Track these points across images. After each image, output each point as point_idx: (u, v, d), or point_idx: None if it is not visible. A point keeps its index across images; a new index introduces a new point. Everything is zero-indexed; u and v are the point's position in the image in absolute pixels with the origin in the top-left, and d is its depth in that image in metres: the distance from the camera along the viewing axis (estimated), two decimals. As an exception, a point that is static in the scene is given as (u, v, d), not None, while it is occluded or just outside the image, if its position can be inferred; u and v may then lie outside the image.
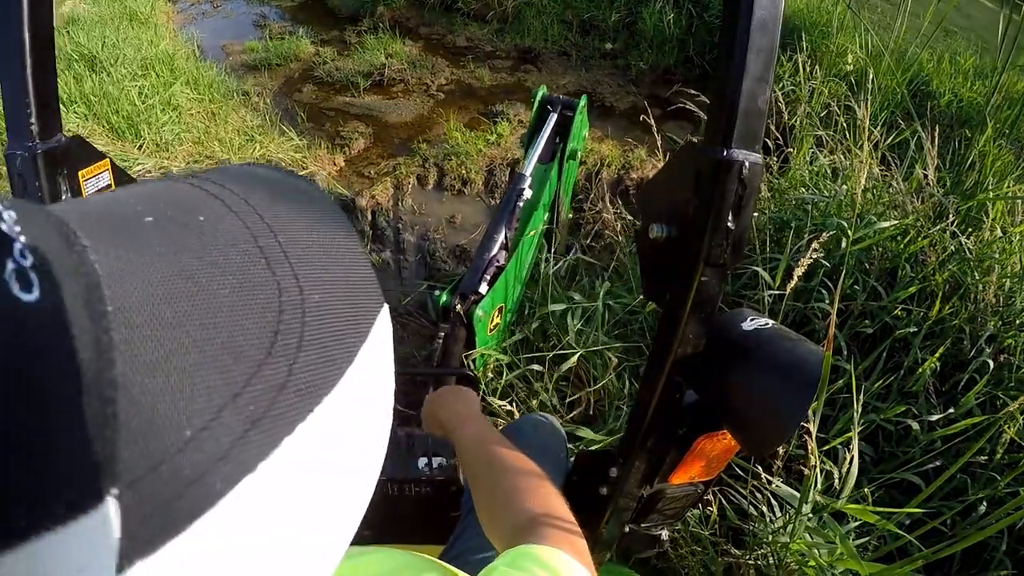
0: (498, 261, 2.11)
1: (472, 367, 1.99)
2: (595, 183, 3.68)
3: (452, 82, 5.11)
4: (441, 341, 1.96)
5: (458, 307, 1.94)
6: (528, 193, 2.29)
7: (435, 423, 1.14)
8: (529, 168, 2.40)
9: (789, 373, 0.75)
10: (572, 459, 1.31)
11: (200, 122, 3.81)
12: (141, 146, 3.34)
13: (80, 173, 0.88)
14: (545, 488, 0.80)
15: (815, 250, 1.38)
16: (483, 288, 2.02)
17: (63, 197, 0.85)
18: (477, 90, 4.98)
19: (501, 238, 2.15)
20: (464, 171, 3.79)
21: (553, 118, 2.65)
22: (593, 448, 1.89)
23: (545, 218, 2.55)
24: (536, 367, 2.11)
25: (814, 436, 1.18)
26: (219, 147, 3.46)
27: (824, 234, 1.51)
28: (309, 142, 3.94)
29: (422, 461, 1.45)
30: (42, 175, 0.83)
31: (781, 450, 1.48)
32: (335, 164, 3.89)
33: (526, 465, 0.85)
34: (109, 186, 0.93)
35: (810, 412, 1.21)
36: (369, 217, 3.47)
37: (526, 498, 0.77)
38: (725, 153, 0.70)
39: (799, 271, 1.31)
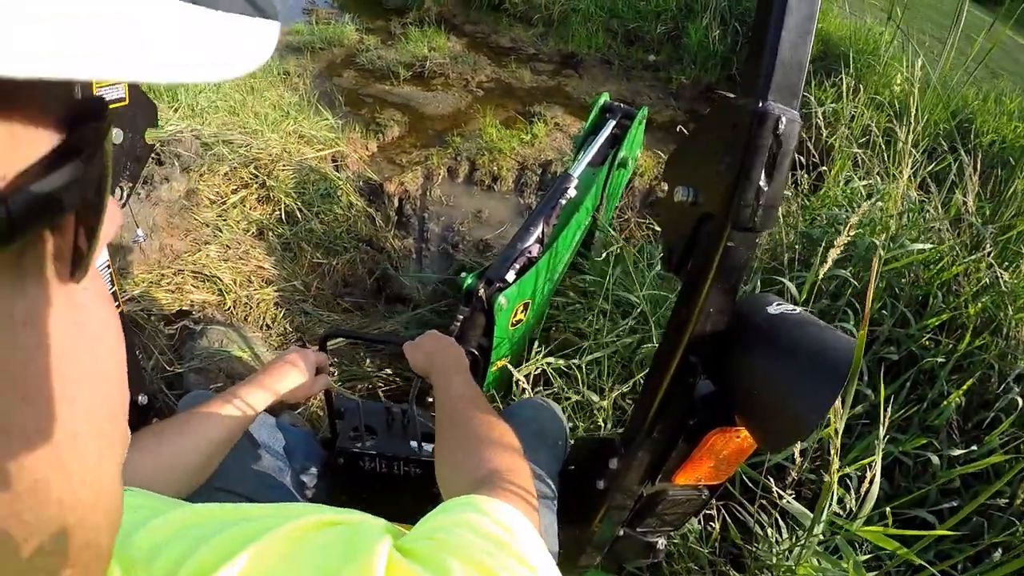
0: (530, 252, 2.06)
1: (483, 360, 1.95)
2: (626, 191, 3.62)
3: (492, 80, 5.09)
4: (459, 323, 1.91)
5: (481, 292, 1.89)
6: (572, 192, 2.26)
7: (422, 360, 1.13)
8: (579, 169, 2.37)
9: (817, 359, 0.69)
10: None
11: (238, 93, 3.81)
12: (176, 109, 3.33)
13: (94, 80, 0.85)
14: (512, 454, 0.77)
15: (839, 246, 1.32)
16: (510, 276, 1.96)
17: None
18: (516, 90, 4.95)
19: (538, 231, 2.10)
20: (496, 168, 3.75)
21: (610, 124, 2.63)
22: (594, 435, 1.83)
23: (587, 222, 2.51)
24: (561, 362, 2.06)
25: (840, 434, 1.10)
26: (254, 119, 3.44)
27: (850, 228, 1.43)
28: (344, 124, 3.92)
29: (414, 444, 1.41)
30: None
31: (798, 457, 1.39)
32: (367, 149, 3.87)
33: (502, 431, 0.83)
34: (122, 99, 0.90)
35: (837, 405, 1.13)
36: (396, 204, 3.44)
37: (490, 457, 0.75)
38: (761, 105, 0.64)
39: (834, 252, 1.25)
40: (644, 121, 2.75)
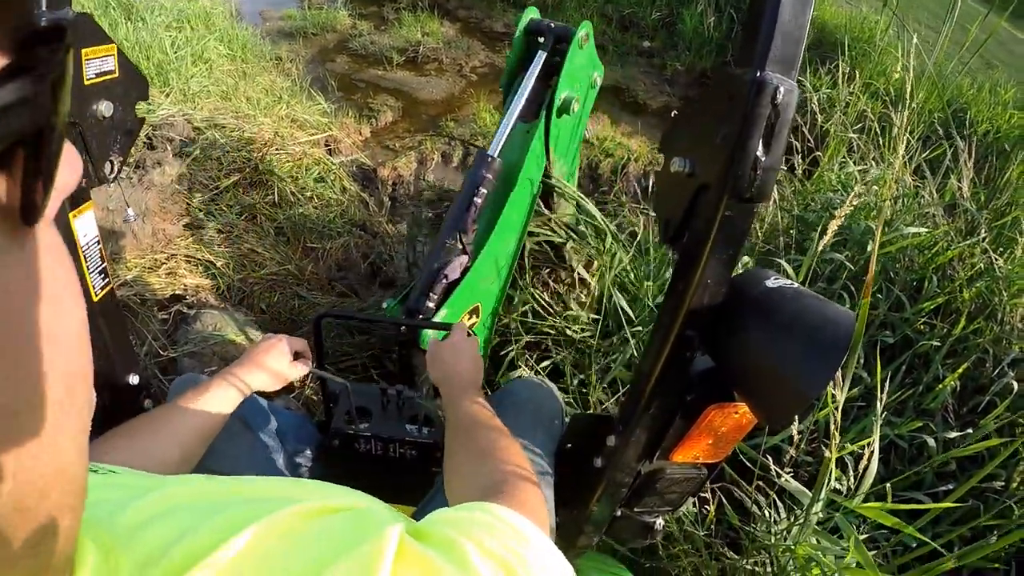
0: (447, 277, 1.67)
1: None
2: (620, 177, 3.61)
3: (486, 65, 5.06)
4: (397, 358, 1.66)
5: (403, 328, 1.59)
6: (490, 184, 1.76)
7: (439, 372, 1.11)
8: (498, 145, 1.81)
9: (817, 331, 0.68)
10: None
11: (230, 78, 3.78)
12: (168, 94, 3.30)
13: (84, 51, 0.83)
14: (519, 457, 0.77)
15: (841, 216, 1.31)
16: (430, 305, 1.64)
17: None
18: (510, 76, 4.92)
19: (457, 244, 1.71)
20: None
21: (542, 57, 1.94)
22: (591, 413, 1.82)
23: (533, 193, 2.02)
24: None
25: (840, 409, 1.10)
26: (246, 104, 3.41)
27: (851, 200, 1.42)
28: (337, 109, 3.90)
29: (411, 425, 1.40)
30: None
31: (796, 436, 1.39)
32: (360, 134, 3.85)
33: (509, 443, 0.82)
34: (112, 72, 0.88)
35: (838, 377, 1.13)
36: (389, 188, 3.42)
37: (498, 469, 0.74)
38: (759, 74, 0.63)
39: (835, 223, 1.24)
40: (590, 38, 2.00)
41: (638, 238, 2.28)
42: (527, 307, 2.13)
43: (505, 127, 1.84)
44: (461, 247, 1.71)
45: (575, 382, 2.00)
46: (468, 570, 0.41)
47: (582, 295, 2.24)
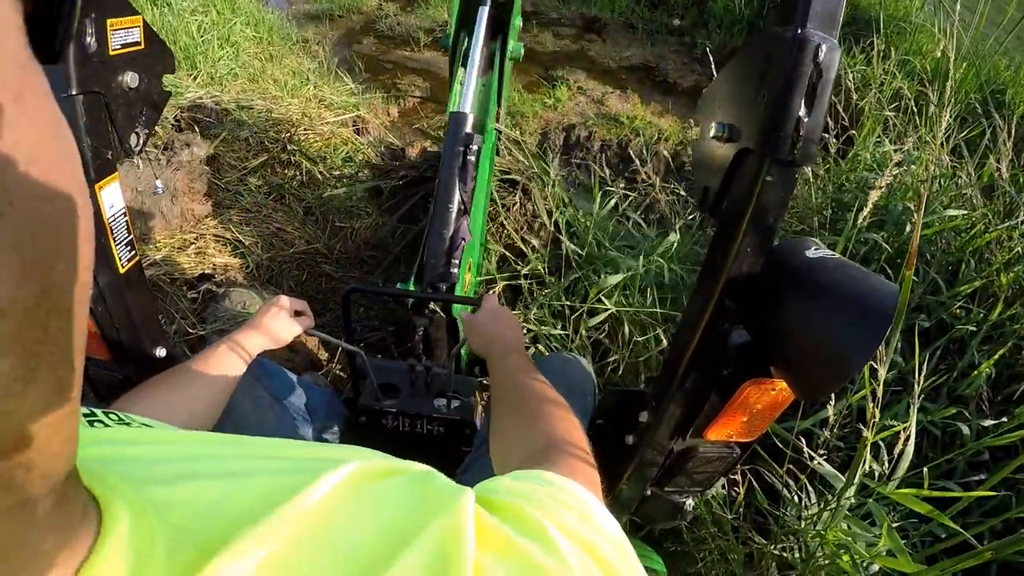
0: (464, 239, 1.68)
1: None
2: (650, 155, 3.56)
3: (513, 45, 5.01)
4: (420, 336, 1.65)
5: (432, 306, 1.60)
6: (479, 140, 1.76)
7: (482, 339, 1.11)
8: (467, 100, 1.82)
9: (861, 301, 0.65)
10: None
11: (257, 61, 3.79)
12: (195, 77, 3.32)
13: (109, 22, 0.82)
14: (570, 421, 0.74)
15: (880, 187, 1.27)
16: (454, 272, 1.63)
17: (87, 41, 0.79)
18: (539, 54, 4.87)
19: (457, 206, 1.70)
20: (518, 131, 3.70)
21: (485, 12, 2.02)
22: (623, 388, 1.79)
23: (494, 143, 2.09)
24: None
25: (882, 381, 1.06)
26: (273, 86, 3.42)
27: (882, 180, 1.38)
28: (364, 90, 3.88)
29: (439, 401, 1.39)
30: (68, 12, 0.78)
31: (831, 416, 1.35)
32: (388, 115, 3.84)
33: (557, 399, 0.80)
34: (138, 43, 0.87)
35: (881, 351, 1.09)
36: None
37: (547, 425, 0.71)
38: (800, 31, 0.60)
39: (875, 195, 1.21)
40: None
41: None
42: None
43: (469, 83, 1.85)
44: (464, 207, 1.72)
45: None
46: (552, 549, 0.39)
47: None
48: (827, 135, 2.76)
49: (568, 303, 2.10)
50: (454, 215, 1.68)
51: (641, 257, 2.12)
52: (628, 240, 2.48)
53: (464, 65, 1.97)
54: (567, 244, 2.23)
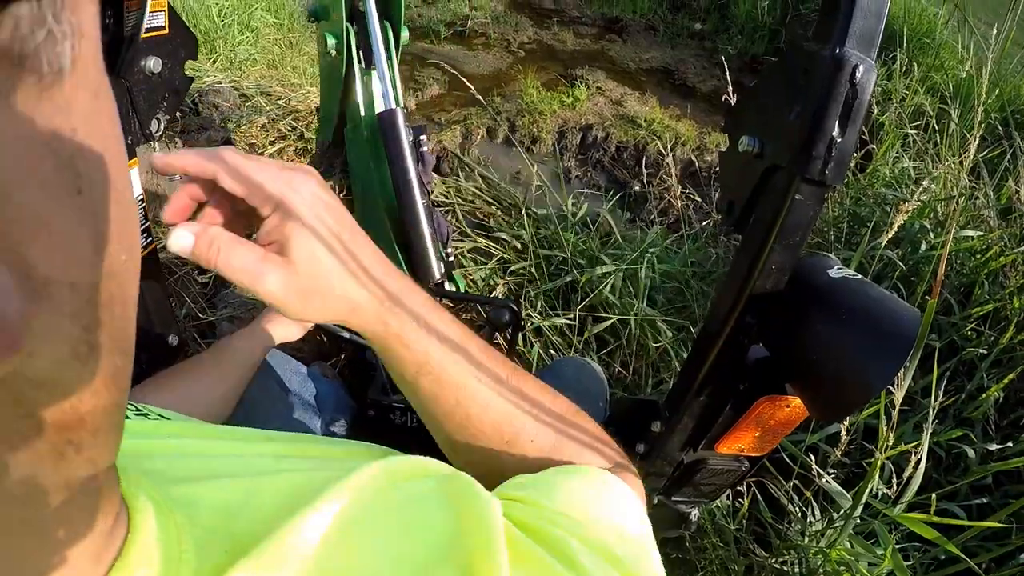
0: (445, 229, 1.70)
1: None
2: (667, 159, 3.55)
3: (534, 41, 5.00)
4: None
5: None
6: (425, 139, 1.76)
7: (329, 300, 0.54)
8: (390, 95, 1.78)
9: (883, 324, 0.64)
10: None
11: (277, 47, 3.79)
12: (214, 61, 3.32)
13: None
14: (582, 415, 0.63)
15: (905, 211, 1.27)
16: (443, 264, 1.66)
17: (106, 22, 0.78)
18: (559, 52, 4.86)
19: (428, 200, 1.69)
20: (536, 129, 3.70)
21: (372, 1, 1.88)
22: (635, 396, 1.79)
23: None
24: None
25: (899, 402, 1.05)
26: (292, 73, 3.41)
27: (908, 205, 1.37)
28: (383, 81, 3.88)
29: None
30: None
31: (844, 435, 1.35)
32: (406, 106, 3.82)
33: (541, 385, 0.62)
34: (162, 28, 0.87)
35: (900, 376, 1.08)
36: (434, 161, 3.40)
37: (547, 426, 0.58)
38: (838, 51, 0.60)
39: (900, 218, 1.20)
40: None
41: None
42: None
43: (384, 78, 1.81)
44: (431, 202, 1.71)
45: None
46: (574, 565, 0.38)
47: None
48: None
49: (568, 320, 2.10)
50: (423, 210, 1.67)
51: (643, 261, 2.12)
52: (631, 244, 2.48)
53: (363, 62, 1.95)
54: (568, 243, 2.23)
